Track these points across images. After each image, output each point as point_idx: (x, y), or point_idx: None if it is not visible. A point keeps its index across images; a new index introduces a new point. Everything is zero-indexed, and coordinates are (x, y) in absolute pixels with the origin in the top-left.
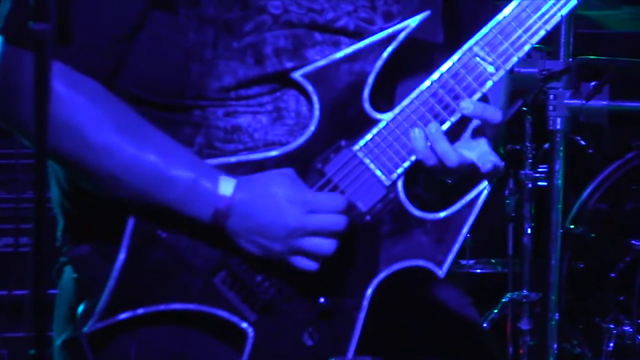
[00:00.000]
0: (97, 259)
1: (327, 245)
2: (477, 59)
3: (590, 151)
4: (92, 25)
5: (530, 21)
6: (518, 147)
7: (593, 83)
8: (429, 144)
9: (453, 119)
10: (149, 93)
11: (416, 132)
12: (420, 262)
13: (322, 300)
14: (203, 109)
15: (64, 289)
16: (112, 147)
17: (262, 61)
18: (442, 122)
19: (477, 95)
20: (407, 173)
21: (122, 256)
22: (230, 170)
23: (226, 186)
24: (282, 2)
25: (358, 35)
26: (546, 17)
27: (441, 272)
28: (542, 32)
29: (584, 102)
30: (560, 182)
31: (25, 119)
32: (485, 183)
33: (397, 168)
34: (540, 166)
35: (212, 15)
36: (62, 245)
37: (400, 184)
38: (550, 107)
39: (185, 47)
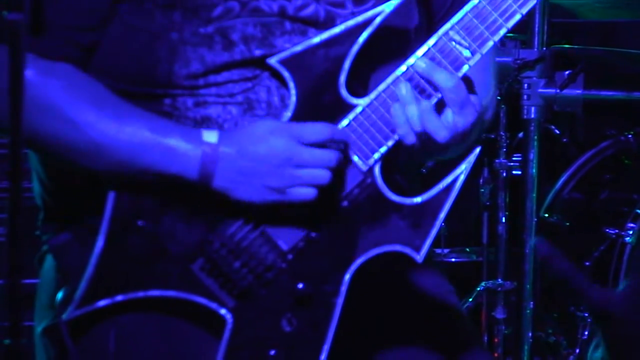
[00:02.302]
0: (77, 246)
1: (322, 174)
2: (453, 43)
3: (565, 140)
4: (63, 17)
5: (506, 4)
6: (492, 136)
7: (567, 72)
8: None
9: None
10: (120, 82)
11: (397, 108)
12: (398, 247)
13: (300, 286)
14: (173, 98)
15: (45, 277)
16: (92, 118)
17: (230, 48)
18: None
19: None
20: (386, 159)
21: (100, 243)
22: None
23: (210, 135)
24: None
25: (328, 24)
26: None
27: (419, 257)
28: (518, 16)
29: (558, 91)
30: (534, 171)
31: None
32: (462, 167)
33: (373, 153)
34: (515, 155)
35: (179, 0)
36: (42, 233)
37: (377, 169)
38: (525, 96)
39: (153, 33)
